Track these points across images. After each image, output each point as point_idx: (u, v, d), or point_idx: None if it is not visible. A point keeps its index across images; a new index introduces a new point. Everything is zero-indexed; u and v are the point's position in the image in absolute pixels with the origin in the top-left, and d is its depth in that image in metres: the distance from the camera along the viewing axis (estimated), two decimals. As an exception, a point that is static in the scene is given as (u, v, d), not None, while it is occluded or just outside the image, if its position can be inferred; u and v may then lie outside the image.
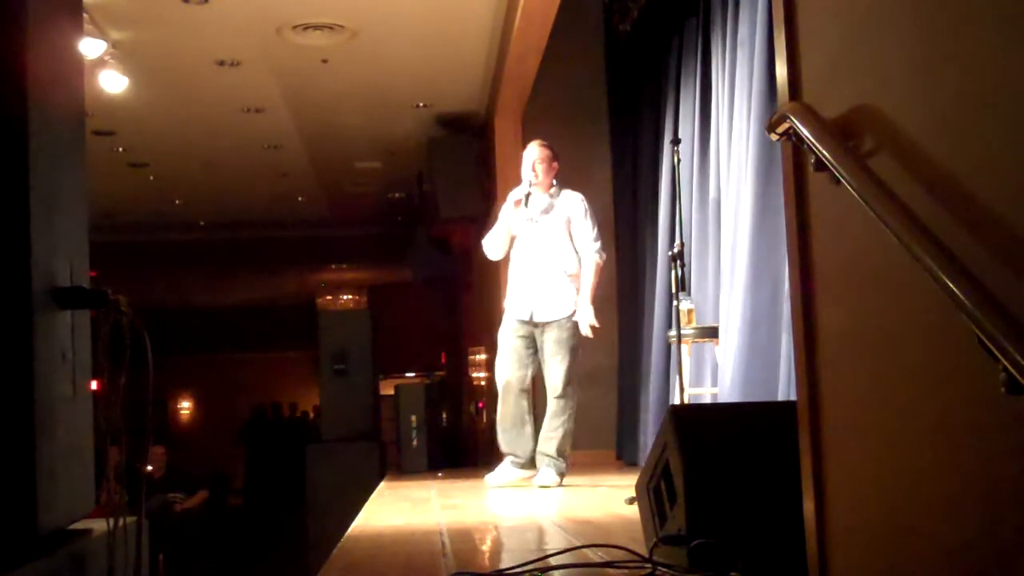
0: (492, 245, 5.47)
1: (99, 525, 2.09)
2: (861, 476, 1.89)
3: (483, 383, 9.10)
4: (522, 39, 6.25)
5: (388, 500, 5.33)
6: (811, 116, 1.90)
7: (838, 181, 1.75)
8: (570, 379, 5.22)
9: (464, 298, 11.27)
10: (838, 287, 1.98)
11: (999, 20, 1.50)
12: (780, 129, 1.99)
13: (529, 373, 5.32)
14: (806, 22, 2.07)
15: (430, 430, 7.96)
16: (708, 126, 5.36)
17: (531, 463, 5.26)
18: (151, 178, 10.28)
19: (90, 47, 6.23)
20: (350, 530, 3.90)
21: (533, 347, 5.31)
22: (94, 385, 2.16)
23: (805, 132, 1.87)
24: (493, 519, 4.19)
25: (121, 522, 2.04)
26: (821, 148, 1.81)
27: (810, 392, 2.04)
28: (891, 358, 1.78)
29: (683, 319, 4.63)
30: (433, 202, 9.32)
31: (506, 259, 5.52)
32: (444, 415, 9.27)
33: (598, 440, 6.95)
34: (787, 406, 2.31)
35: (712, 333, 4.84)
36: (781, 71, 2.14)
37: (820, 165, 1.81)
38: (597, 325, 5.21)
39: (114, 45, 6.59)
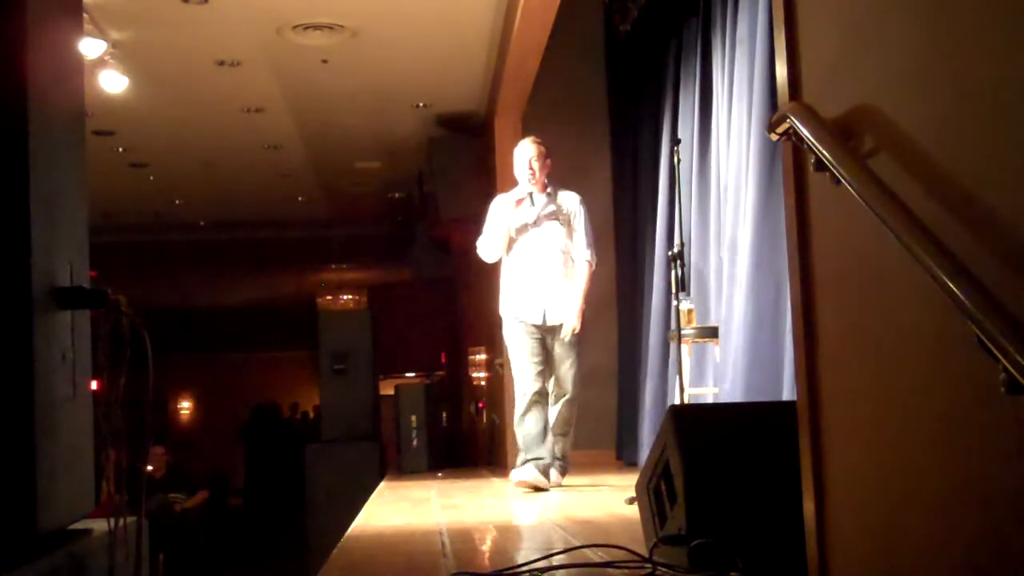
0: (490, 248, 5.32)
1: (99, 525, 2.09)
2: (861, 476, 1.89)
3: (483, 383, 9.10)
4: (522, 39, 6.25)
5: (388, 500, 5.33)
6: (811, 116, 1.90)
7: (838, 181, 1.75)
8: (579, 380, 5.22)
9: (464, 298, 11.26)
10: (838, 287, 1.98)
11: (999, 19, 1.50)
12: (780, 129, 1.99)
13: (547, 379, 5.24)
14: (806, 22, 2.07)
15: (430, 430, 7.96)
16: (708, 126, 5.36)
17: (545, 472, 5.08)
18: (151, 178, 10.27)
19: (90, 47, 6.23)
20: (350, 530, 3.90)
21: (545, 352, 5.23)
22: (94, 385, 2.16)
23: (805, 132, 1.87)
24: (493, 519, 4.19)
25: (121, 522, 2.04)
26: (821, 148, 1.81)
27: (810, 392, 2.04)
28: (891, 358, 1.78)
29: (683, 319, 4.62)
30: (433, 202, 9.33)
31: (499, 261, 5.40)
32: (444, 415, 9.27)
33: (598, 440, 6.95)
34: (787, 406, 2.31)
35: (712, 333, 4.83)
36: (781, 71, 2.14)
37: (820, 165, 1.81)
38: (578, 330, 5.16)
39: (114, 45, 6.58)
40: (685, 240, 4.63)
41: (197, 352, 18.46)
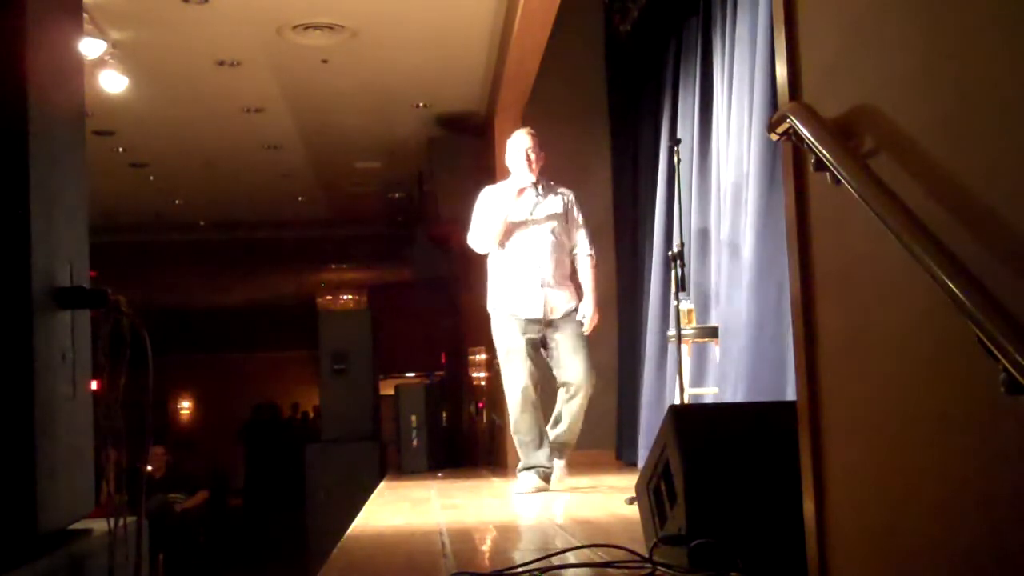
0: (485, 238, 5.15)
1: (99, 525, 2.09)
2: (861, 476, 1.89)
3: (483, 383, 9.10)
4: (522, 39, 6.25)
5: (388, 500, 5.33)
6: (811, 116, 1.90)
7: (838, 181, 1.75)
8: (592, 370, 5.05)
9: (464, 298, 11.26)
10: (838, 287, 1.98)
11: (999, 18, 1.50)
12: (780, 129, 1.99)
13: (541, 377, 5.09)
14: (806, 22, 2.07)
15: (430, 430, 7.96)
16: (708, 126, 5.36)
17: (547, 478, 4.99)
18: (151, 178, 10.27)
19: (90, 47, 6.23)
20: (350, 530, 3.90)
21: (543, 349, 5.10)
22: (94, 385, 2.16)
23: (805, 132, 1.87)
24: (493, 519, 4.19)
25: (121, 522, 2.04)
26: (821, 148, 1.81)
27: (810, 392, 2.04)
28: (891, 358, 1.78)
29: (683, 319, 4.62)
30: (433, 202, 9.33)
31: (486, 256, 5.27)
32: (444, 415, 9.27)
33: (598, 440, 6.94)
34: (787, 406, 2.31)
35: (712, 333, 4.83)
36: (781, 71, 2.14)
37: (820, 165, 1.81)
38: (596, 322, 5.11)
39: (114, 45, 6.58)
40: (685, 240, 4.62)
41: (197, 352, 18.48)
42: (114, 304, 2.04)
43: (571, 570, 2.62)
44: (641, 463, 5.46)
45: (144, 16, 6.30)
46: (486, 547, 3.43)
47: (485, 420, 8.81)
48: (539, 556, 2.68)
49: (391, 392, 9.00)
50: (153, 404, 2.13)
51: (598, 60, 7.55)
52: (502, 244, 5.13)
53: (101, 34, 6.37)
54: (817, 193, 2.02)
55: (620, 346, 7.19)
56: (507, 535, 3.77)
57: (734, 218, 4.77)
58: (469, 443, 9.91)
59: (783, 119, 1.97)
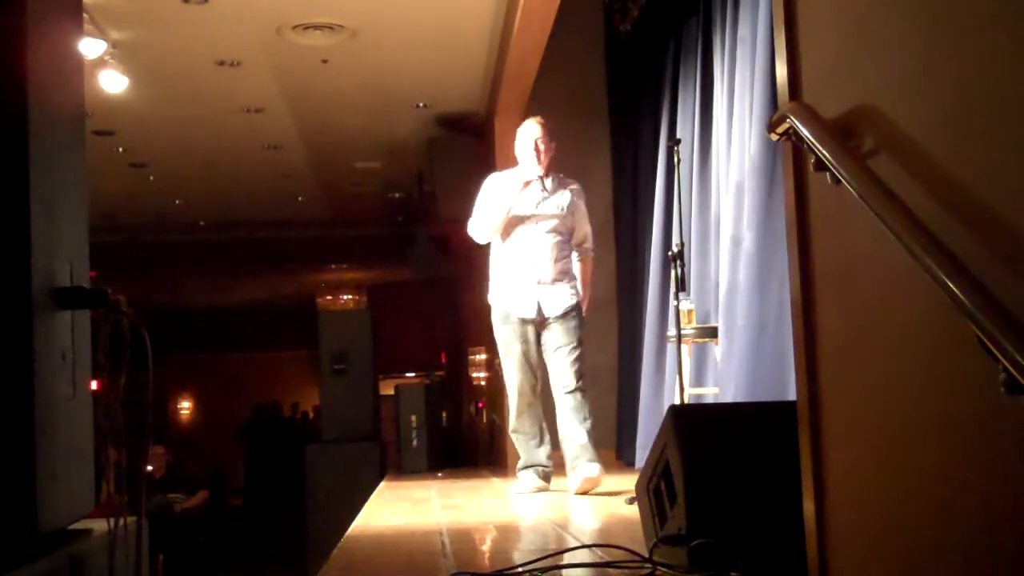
0: (485, 228, 4.99)
1: (99, 525, 2.09)
2: (861, 476, 1.89)
3: (483, 383, 9.10)
4: (522, 39, 6.25)
5: (388, 500, 5.33)
6: (811, 116, 1.90)
7: (838, 181, 1.75)
8: (582, 370, 4.87)
9: (464, 298, 11.26)
10: (838, 287, 1.98)
11: (999, 18, 1.50)
12: (780, 129, 1.99)
13: (541, 379, 4.97)
14: (806, 22, 2.07)
15: (430, 430, 7.96)
16: (708, 126, 5.36)
17: (547, 478, 4.93)
18: (151, 178, 10.28)
19: (90, 47, 6.23)
20: (350, 530, 3.90)
21: (540, 347, 4.95)
22: (94, 385, 2.16)
23: (805, 132, 1.87)
24: (493, 519, 4.19)
25: (121, 522, 2.04)
26: (821, 148, 1.81)
27: (810, 392, 2.04)
28: (891, 358, 1.78)
29: (683, 319, 4.62)
30: (433, 202, 9.32)
31: (487, 251, 5.16)
32: (444, 415, 9.28)
33: (598, 440, 6.89)
34: (787, 406, 2.31)
35: (712, 333, 4.83)
36: (781, 71, 2.14)
37: (820, 165, 1.81)
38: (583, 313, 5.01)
39: (114, 45, 6.59)
40: (685, 240, 4.61)
41: (197, 352, 18.49)
42: (114, 304, 2.04)
43: (571, 570, 2.62)
44: (641, 463, 5.46)
45: (144, 16, 6.30)
46: (486, 547, 3.43)
47: (485, 420, 8.81)
48: (539, 556, 2.68)
49: (391, 392, 9.00)
50: (153, 404, 2.13)
51: (598, 60, 7.55)
52: (503, 237, 4.99)
53: (101, 34, 6.37)
54: (817, 193, 2.02)
55: (620, 346, 7.19)
56: (507, 535, 3.77)
57: (734, 218, 4.77)
58: (469, 443, 9.91)
59: (783, 119, 1.97)
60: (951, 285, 1.42)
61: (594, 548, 2.87)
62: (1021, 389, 1.30)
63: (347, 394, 8.87)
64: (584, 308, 5.01)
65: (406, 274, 12.80)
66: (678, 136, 5.22)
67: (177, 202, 11.57)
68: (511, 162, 5.26)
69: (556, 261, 4.94)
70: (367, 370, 9.07)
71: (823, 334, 2.02)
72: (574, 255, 5.09)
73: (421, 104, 8.24)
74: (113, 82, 6.78)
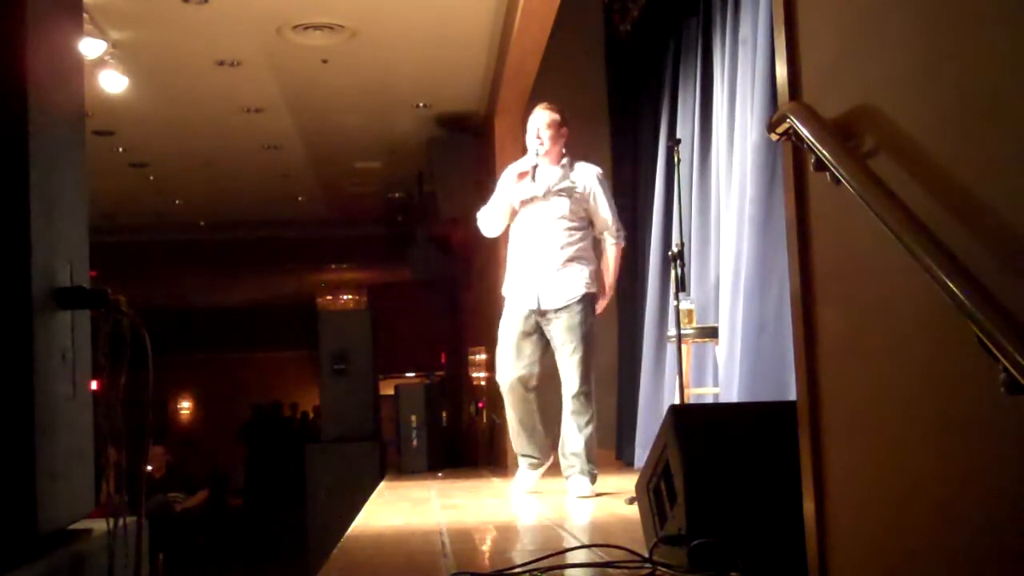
0: (489, 221, 4.85)
1: (99, 525, 2.09)
2: (861, 476, 1.89)
3: (483, 383, 9.10)
4: (522, 39, 6.25)
5: (388, 500, 5.33)
6: (811, 116, 1.90)
7: (838, 181, 1.75)
8: (588, 370, 4.64)
9: (464, 298, 11.26)
10: (838, 287, 1.98)
11: (1000, 18, 1.50)
12: (780, 129, 1.99)
13: (535, 370, 4.73)
14: (806, 22, 2.07)
15: (430, 430, 7.96)
16: (708, 126, 5.36)
17: (545, 457, 4.83)
18: (151, 178, 10.28)
19: (90, 47, 6.23)
20: (350, 530, 3.90)
21: (540, 340, 4.74)
22: (94, 385, 2.16)
23: (805, 132, 1.87)
24: (493, 519, 4.19)
25: (121, 522, 2.04)
26: (821, 148, 1.81)
27: (810, 392, 2.04)
28: (891, 358, 1.78)
29: (683, 319, 4.61)
30: (433, 202, 9.33)
31: (504, 242, 5.00)
32: (444, 415, 9.28)
33: (598, 440, 6.93)
34: (787, 406, 2.31)
35: (712, 333, 4.83)
36: (781, 71, 2.14)
37: (820, 165, 1.81)
38: (601, 308, 4.86)
39: (114, 45, 6.59)
40: (685, 240, 4.59)
41: (197, 352, 18.49)
42: (114, 304, 2.04)
43: (571, 570, 2.62)
44: (640, 463, 5.46)
45: (144, 16, 6.30)
46: (486, 547, 3.43)
47: (485, 420, 8.81)
48: (539, 556, 2.68)
49: (391, 392, 9.01)
50: (153, 404, 2.13)
51: (598, 60, 7.54)
52: (512, 227, 4.83)
53: (101, 34, 6.37)
54: (817, 193, 2.02)
55: (619, 346, 7.19)
56: (507, 535, 3.77)
57: (734, 218, 4.77)
58: (469, 443, 9.92)
59: (783, 119, 1.97)
60: (951, 285, 1.42)
61: (594, 548, 2.87)
62: (1021, 389, 1.30)
63: (347, 394, 8.87)
64: (605, 299, 4.83)
65: (406, 274, 12.80)
66: (678, 136, 5.21)
67: (177, 202, 11.57)
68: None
69: (562, 249, 4.70)
70: (367, 370, 9.07)
71: (823, 334, 2.02)
72: (590, 242, 4.83)
73: (421, 104, 8.24)
74: (113, 82, 6.78)
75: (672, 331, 4.73)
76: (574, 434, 4.64)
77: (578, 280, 4.70)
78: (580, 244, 4.75)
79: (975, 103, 1.55)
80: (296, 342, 16.92)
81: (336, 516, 6.36)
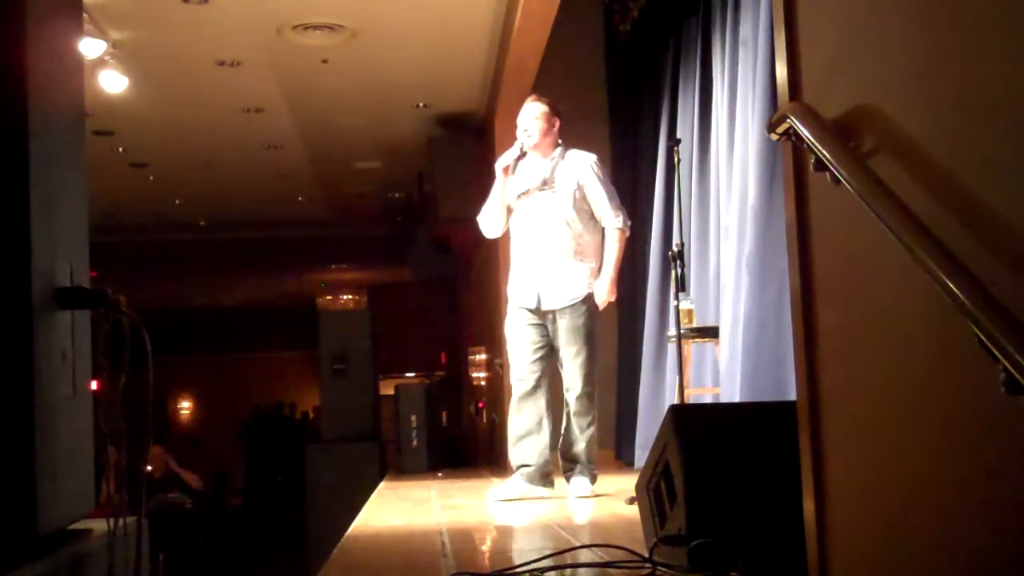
0: (486, 220, 4.77)
1: (99, 525, 2.09)
2: (861, 476, 1.89)
3: (483, 383, 9.10)
4: (522, 39, 6.25)
5: (388, 500, 5.33)
6: (811, 116, 1.90)
7: (838, 181, 1.75)
8: (591, 372, 4.58)
9: (464, 298, 11.27)
10: (838, 287, 1.98)
11: (1000, 18, 1.50)
12: (780, 129, 1.99)
13: (545, 369, 4.64)
14: (806, 22, 2.07)
15: (430, 430, 7.97)
16: (708, 126, 5.36)
17: (543, 478, 4.59)
18: (151, 178, 10.28)
19: (90, 47, 6.23)
20: (350, 530, 3.90)
21: (546, 339, 4.63)
22: (94, 385, 2.16)
23: (805, 132, 1.87)
24: (493, 519, 4.19)
25: (121, 522, 2.04)
26: (821, 148, 1.81)
27: (810, 392, 2.04)
28: (891, 358, 1.78)
29: (683, 319, 4.61)
30: (433, 202, 9.33)
31: (505, 241, 4.94)
32: (444, 415, 9.28)
33: (597, 440, 6.93)
34: (787, 406, 2.31)
35: (712, 333, 4.83)
36: (781, 71, 2.14)
37: (820, 165, 1.81)
38: (613, 299, 4.67)
39: (114, 45, 6.59)
40: (685, 240, 4.59)
41: (197, 352, 18.48)
42: (114, 304, 2.04)
43: (571, 570, 2.62)
44: (640, 463, 5.46)
45: (144, 16, 6.30)
46: (486, 547, 3.43)
47: (485, 420, 8.81)
48: (539, 556, 2.68)
49: (391, 392, 9.01)
50: (153, 404, 2.13)
51: (598, 60, 7.55)
52: (510, 225, 4.75)
53: (101, 34, 6.37)
54: (817, 193, 2.02)
55: (620, 346, 7.19)
56: (507, 535, 3.77)
57: (734, 218, 4.77)
58: (469, 443, 9.92)
59: (783, 119, 1.97)
60: (951, 285, 1.42)
61: (594, 548, 2.87)
62: (1021, 389, 1.30)
63: (347, 394, 8.88)
64: (605, 292, 4.60)
65: (406, 274, 12.82)
66: (678, 136, 5.22)
67: (177, 202, 11.57)
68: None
69: (562, 244, 4.59)
70: (367, 370, 9.07)
71: (823, 334, 2.02)
72: (596, 236, 4.68)
73: (421, 104, 8.24)
74: (113, 82, 6.78)
75: (672, 331, 4.73)
76: (575, 435, 4.60)
77: (580, 278, 4.60)
78: (581, 240, 4.61)
79: (975, 103, 1.55)
80: (296, 342, 16.91)
81: (336, 516, 6.36)
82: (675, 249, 4.43)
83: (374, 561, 3.19)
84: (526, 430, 4.61)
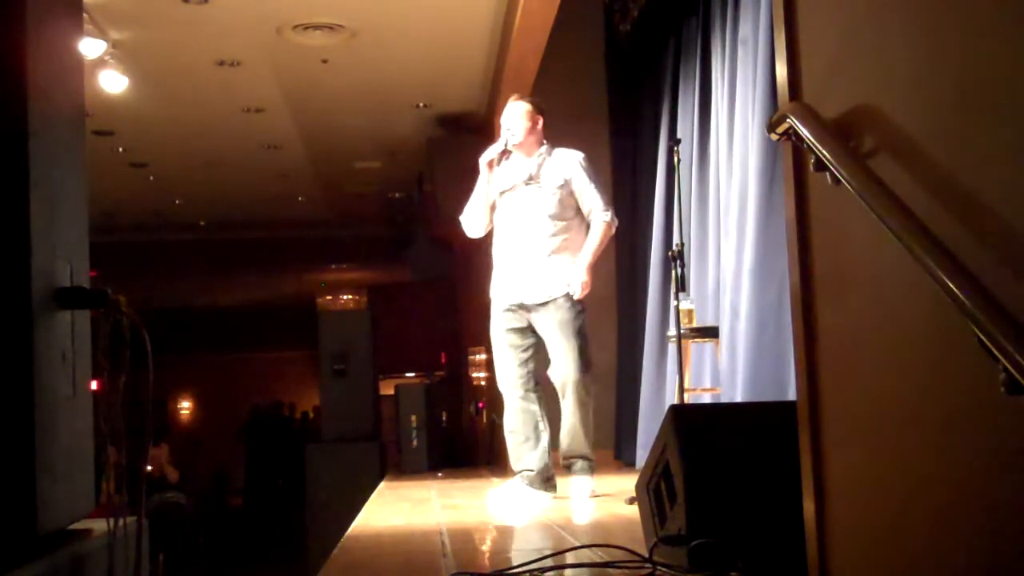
0: (468, 219, 4.73)
1: (99, 525, 2.09)
2: (861, 476, 1.89)
3: (483, 383, 9.10)
4: (522, 39, 6.25)
5: (388, 500, 5.33)
6: (811, 116, 1.90)
7: (838, 181, 1.75)
8: (585, 360, 4.52)
9: (464, 298, 11.26)
10: (838, 287, 1.98)
11: (999, 18, 1.50)
12: (780, 129, 1.99)
13: (532, 368, 4.59)
14: (806, 22, 2.07)
15: (430, 430, 7.97)
16: (708, 126, 5.36)
17: (544, 482, 4.53)
18: (151, 178, 10.29)
19: (90, 47, 6.23)
20: (350, 530, 3.90)
21: (532, 337, 4.58)
22: (94, 385, 2.16)
23: (805, 132, 1.87)
24: (493, 519, 4.19)
25: (121, 522, 2.04)
26: (821, 148, 1.81)
27: (810, 392, 2.04)
28: (891, 358, 1.78)
29: (683, 319, 4.61)
30: (433, 202, 9.33)
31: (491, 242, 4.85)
32: (444, 415, 9.27)
33: (597, 440, 6.87)
34: (787, 406, 2.31)
35: (712, 333, 4.83)
36: (781, 71, 2.14)
37: (820, 165, 1.81)
38: (587, 286, 4.50)
39: (114, 45, 6.59)
40: (685, 240, 4.58)
41: (197, 352, 18.48)
42: (114, 304, 2.04)
43: (571, 570, 2.62)
44: (640, 463, 5.46)
45: (144, 16, 6.30)
46: (486, 547, 3.43)
47: (485, 420, 8.80)
48: (539, 556, 2.68)
49: (391, 392, 9.01)
50: (153, 404, 2.13)
51: (598, 60, 7.55)
52: (491, 224, 4.72)
53: (101, 34, 6.37)
54: (817, 193, 2.02)
55: (619, 346, 7.19)
56: (507, 535, 3.77)
57: (734, 218, 4.77)
58: (469, 443, 9.91)
59: (783, 119, 1.97)
60: (951, 285, 1.42)
61: (594, 548, 2.87)
62: (1021, 389, 1.30)
63: (347, 394, 8.87)
64: (580, 275, 4.48)
65: (406, 274, 12.81)
66: (678, 136, 5.22)
67: (177, 202, 11.58)
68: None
69: (545, 241, 4.54)
70: (367, 370, 9.07)
71: (823, 334, 2.02)
72: (581, 233, 4.62)
73: (421, 104, 8.24)
74: (113, 82, 6.79)
75: (672, 331, 4.73)
76: (575, 427, 4.54)
77: (564, 274, 4.53)
78: (566, 236, 4.57)
79: (975, 103, 1.55)
80: (296, 342, 16.92)
81: (336, 516, 6.36)
82: (675, 249, 4.43)
83: (374, 561, 3.19)
84: (524, 436, 4.57)
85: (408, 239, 12.08)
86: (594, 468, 4.64)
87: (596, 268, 4.82)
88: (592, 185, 4.59)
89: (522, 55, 6.51)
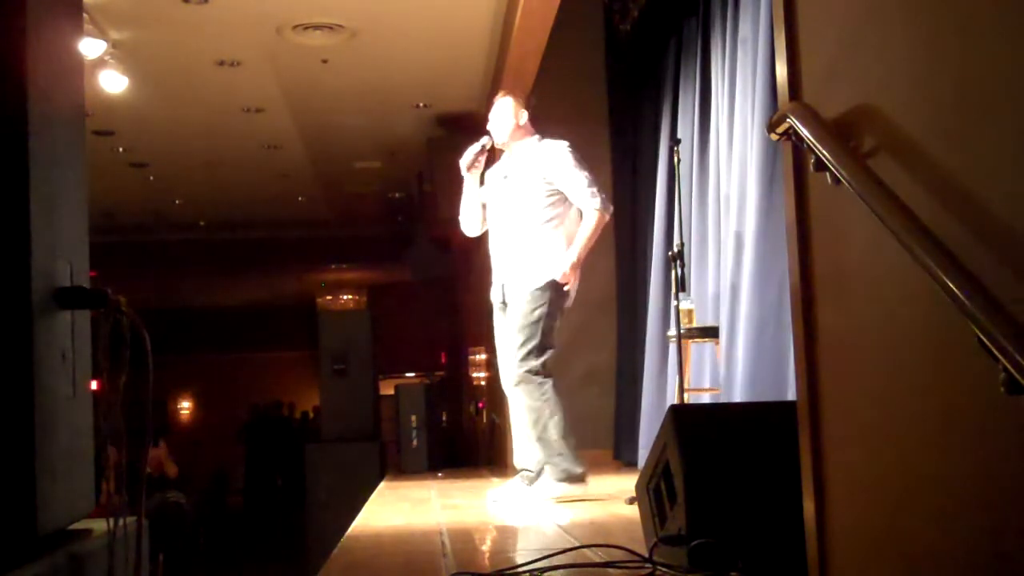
0: (463, 219, 4.79)
1: (99, 525, 2.09)
2: (861, 476, 1.89)
3: (483, 383, 9.10)
4: (522, 39, 6.25)
5: (388, 500, 5.33)
6: (811, 116, 1.90)
7: (838, 181, 1.75)
8: (529, 354, 4.40)
9: (464, 298, 11.26)
10: (838, 287, 1.98)
11: (999, 18, 1.50)
12: (780, 129, 1.99)
13: None
14: (806, 22, 2.07)
15: (430, 430, 7.97)
16: (708, 126, 5.36)
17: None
18: (151, 178, 10.29)
19: (90, 47, 6.23)
20: (350, 530, 3.90)
21: None
22: (94, 385, 2.16)
23: (805, 132, 1.87)
24: (493, 519, 4.19)
25: (121, 522, 2.04)
26: (821, 148, 1.81)
27: (810, 392, 2.04)
28: (891, 358, 1.78)
29: (683, 319, 4.61)
30: (433, 202, 9.33)
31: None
32: (444, 415, 9.28)
33: (596, 440, 6.94)
34: (787, 406, 2.31)
35: (712, 333, 4.83)
36: (781, 71, 2.14)
37: (820, 165, 1.81)
38: (571, 277, 4.44)
39: (114, 45, 6.59)
40: (685, 240, 4.58)
41: (197, 352, 18.48)
42: (114, 304, 2.04)
43: (571, 570, 2.62)
44: (640, 463, 5.45)
45: (144, 16, 6.30)
46: (486, 547, 3.43)
47: (485, 420, 8.81)
48: (539, 556, 2.68)
49: (391, 392, 9.01)
50: (153, 404, 2.13)
51: (598, 60, 7.54)
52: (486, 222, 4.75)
53: (101, 34, 6.37)
54: (817, 193, 2.02)
55: (619, 346, 7.19)
56: (507, 535, 3.77)
57: (734, 218, 4.77)
58: (469, 443, 9.92)
59: (783, 119, 1.97)
60: (951, 285, 1.42)
61: (594, 548, 2.87)
62: (1021, 389, 1.30)
63: (347, 394, 8.87)
64: (566, 263, 4.43)
65: (406, 274, 12.81)
66: (678, 136, 5.21)
67: (177, 202, 11.58)
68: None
69: (527, 235, 4.52)
70: (367, 370, 9.06)
71: (823, 334, 2.02)
72: (567, 225, 4.58)
73: (421, 104, 8.24)
74: (113, 82, 6.78)
75: (672, 331, 4.73)
76: (527, 430, 4.47)
77: (538, 269, 4.49)
78: (547, 227, 4.53)
79: (975, 103, 1.55)
80: (296, 342, 16.92)
81: (336, 516, 6.35)
82: (675, 249, 4.43)
83: (374, 561, 3.19)
84: (519, 435, 4.61)
85: (408, 239, 12.08)
86: (569, 472, 4.47)
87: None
88: (578, 174, 4.50)
89: (522, 55, 6.51)
